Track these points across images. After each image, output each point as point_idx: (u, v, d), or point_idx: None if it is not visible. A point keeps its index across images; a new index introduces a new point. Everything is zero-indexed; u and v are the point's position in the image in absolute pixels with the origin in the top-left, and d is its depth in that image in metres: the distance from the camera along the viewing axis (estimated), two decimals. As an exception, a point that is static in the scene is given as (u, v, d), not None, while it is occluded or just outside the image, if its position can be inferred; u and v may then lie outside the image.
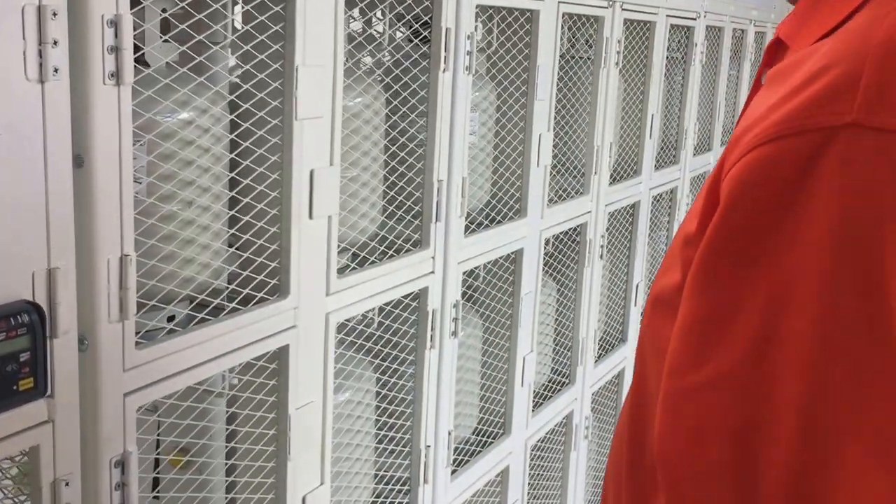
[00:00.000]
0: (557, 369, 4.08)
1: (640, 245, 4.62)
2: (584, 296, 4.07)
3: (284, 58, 2.20)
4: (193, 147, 2.06)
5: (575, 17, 3.82)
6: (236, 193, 2.22)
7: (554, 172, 3.95)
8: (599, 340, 4.49)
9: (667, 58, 4.89)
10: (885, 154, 0.92)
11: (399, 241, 2.78)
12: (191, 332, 2.03)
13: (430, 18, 2.73)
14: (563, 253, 3.97)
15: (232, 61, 2.29)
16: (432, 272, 2.86)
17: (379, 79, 2.75)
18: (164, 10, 2.02)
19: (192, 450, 2.33)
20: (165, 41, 2.08)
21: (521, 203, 3.39)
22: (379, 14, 2.82)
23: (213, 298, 2.15)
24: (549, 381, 4.05)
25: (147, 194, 1.97)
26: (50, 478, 1.75)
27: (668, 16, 4.40)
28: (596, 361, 4.31)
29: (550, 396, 3.96)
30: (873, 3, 1.06)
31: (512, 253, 3.40)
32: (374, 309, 2.77)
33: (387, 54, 2.91)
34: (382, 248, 2.71)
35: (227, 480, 2.41)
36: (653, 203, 4.86)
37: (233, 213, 2.21)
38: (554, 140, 3.79)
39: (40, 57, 1.62)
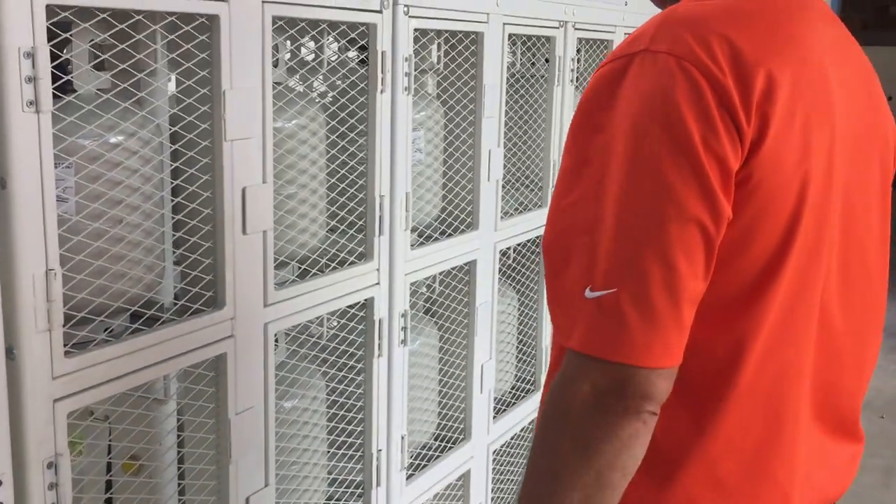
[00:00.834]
0: (521, 376, 4.18)
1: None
2: (545, 305, 4.17)
3: (212, 83, 2.33)
4: (121, 168, 2.19)
5: (533, 38, 3.94)
6: (171, 210, 2.36)
7: (518, 186, 4.07)
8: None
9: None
10: (652, 62, 1.51)
11: (342, 254, 2.90)
12: (123, 342, 2.16)
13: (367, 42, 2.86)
14: (523, 264, 4.08)
15: (166, 86, 2.42)
16: (377, 283, 2.98)
17: (317, 100, 2.88)
18: (91, 40, 2.16)
19: (142, 456, 2.46)
20: (94, 69, 2.21)
21: (472, 217, 3.51)
22: (328, 39, 2.94)
23: (149, 310, 2.28)
24: (513, 388, 4.16)
25: (77, 212, 2.11)
26: (-19, 477, 1.90)
27: (626, 34, 4.49)
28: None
29: (514, 403, 4.07)
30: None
31: (466, 264, 3.51)
32: (321, 318, 2.89)
33: (329, 77, 3.04)
34: (324, 260, 2.84)
35: (177, 483, 2.53)
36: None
37: (165, 229, 2.34)
38: (513, 155, 3.91)
39: (-40, 87, 1.77)
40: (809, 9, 1.69)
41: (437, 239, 3.34)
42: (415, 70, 3.02)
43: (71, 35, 2.08)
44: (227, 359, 2.45)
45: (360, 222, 2.95)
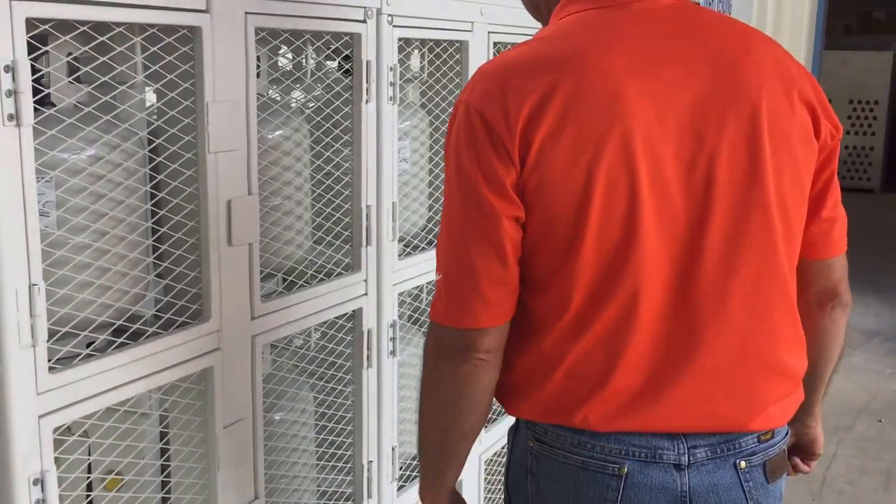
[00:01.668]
0: (512, 386, 4.16)
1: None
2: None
3: (195, 95, 2.32)
4: (104, 181, 2.17)
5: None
6: (155, 223, 2.34)
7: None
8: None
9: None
10: (463, 114, 1.99)
11: (329, 266, 2.89)
12: (108, 357, 2.14)
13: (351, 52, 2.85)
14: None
15: (147, 99, 2.41)
16: (365, 294, 2.97)
17: (301, 111, 2.87)
18: (69, 53, 2.14)
19: (126, 472, 2.43)
20: (72, 82, 2.20)
21: (459, 226, 3.49)
22: (311, 50, 2.93)
23: (134, 324, 2.27)
24: (504, 399, 4.14)
25: (58, 226, 2.09)
26: (-34, 495, 1.88)
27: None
28: (553, 378, 4.38)
29: (504, 412, 4.04)
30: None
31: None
32: (308, 330, 2.88)
33: (313, 87, 3.03)
34: (311, 272, 2.83)
35: (164, 497, 2.52)
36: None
37: (150, 241, 2.33)
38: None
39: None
40: (625, 26, 2.04)
41: (424, 249, 3.33)
42: (399, 79, 3.01)
43: (49, 48, 2.06)
44: (214, 372, 2.43)
45: (347, 233, 2.95)
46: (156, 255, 2.36)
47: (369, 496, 3.13)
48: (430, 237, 3.45)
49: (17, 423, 1.95)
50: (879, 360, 8.60)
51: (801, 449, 2.58)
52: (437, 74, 3.37)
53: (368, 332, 3.02)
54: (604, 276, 1.98)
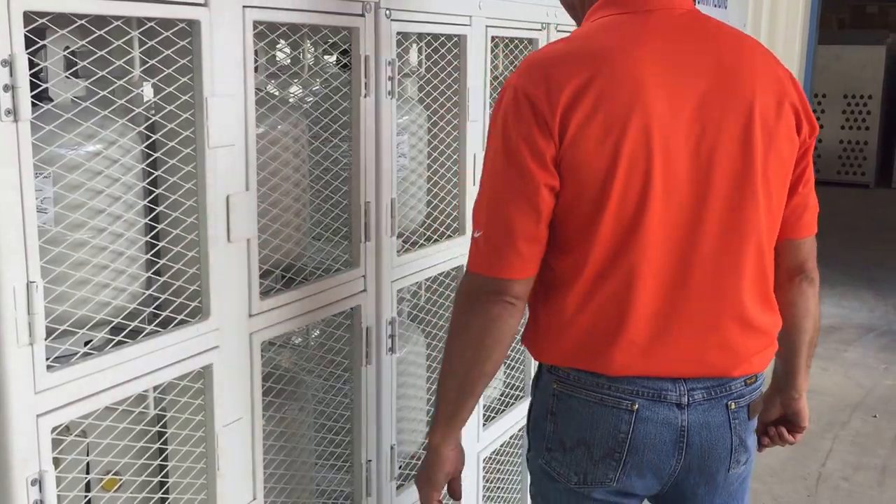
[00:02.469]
0: (510, 383, 4.15)
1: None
2: (533, 310, 4.14)
3: (194, 90, 2.29)
4: (101, 177, 2.15)
5: (516, 41, 3.91)
6: (153, 220, 2.32)
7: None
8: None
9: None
10: (505, 90, 2.40)
11: (328, 262, 2.87)
12: (107, 355, 2.12)
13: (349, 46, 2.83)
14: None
15: (145, 94, 2.39)
16: (364, 291, 2.95)
17: (299, 106, 2.85)
18: (67, 48, 2.12)
19: (124, 471, 2.41)
20: (70, 77, 2.17)
21: (458, 222, 3.48)
22: (309, 44, 2.91)
23: (132, 322, 2.24)
24: (502, 395, 4.12)
25: (56, 223, 2.07)
26: (-36, 496, 1.85)
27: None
28: (551, 374, 4.37)
29: (503, 410, 4.03)
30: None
31: (452, 270, 3.48)
32: (305, 328, 2.86)
33: (311, 82, 3.01)
34: (310, 268, 2.81)
35: (162, 498, 2.49)
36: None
37: (148, 238, 2.30)
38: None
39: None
40: (647, 33, 2.45)
41: (423, 245, 3.31)
42: (397, 74, 2.98)
43: (47, 42, 2.04)
44: (213, 370, 2.41)
45: (346, 229, 2.92)
46: (154, 251, 2.33)
47: (368, 495, 3.11)
48: (428, 233, 3.43)
49: (16, 422, 1.93)
50: (874, 356, 8.60)
51: (788, 420, 2.96)
52: (436, 69, 3.35)
53: (367, 329, 2.99)
54: (619, 241, 2.39)
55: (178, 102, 2.30)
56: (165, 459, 2.47)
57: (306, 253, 2.82)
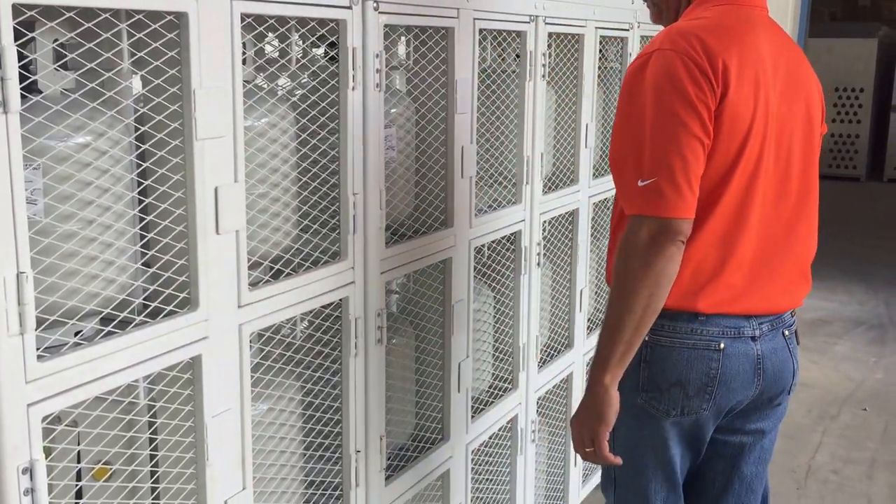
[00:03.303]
0: (499, 375, 4.17)
1: (583, 252, 4.71)
2: (522, 303, 4.16)
3: (182, 82, 2.31)
4: (91, 168, 2.17)
5: (504, 33, 3.93)
6: (142, 211, 2.33)
7: (491, 182, 4.06)
8: (545, 346, 4.57)
9: (606, 68, 5.00)
10: (662, 55, 2.71)
11: (316, 254, 2.88)
12: (97, 345, 2.14)
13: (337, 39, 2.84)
14: (499, 262, 4.06)
15: (134, 86, 2.40)
16: (352, 282, 2.96)
17: (287, 98, 2.87)
18: (56, 40, 2.14)
19: (114, 461, 2.43)
20: (59, 69, 2.19)
21: (446, 214, 3.50)
22: (297, 37, 2.92)
23: (122, 313, 2.26)
24: (491, 388, 4.14)
25: (46, 214, 2.08)
26: (-46, 483, 1.87)
27: (597, 28, 4.50)
28: (540, 367, 4.39)
29: (492, 402, 4.05)
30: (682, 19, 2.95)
31: (440, 262, 3.49)
32: (294, 318, 2.87)
33: (299, 74, 3.02)
34: (298, 260, 2.83)
35: (152, 487, 2.51)
36: (597, 210, 4.96)
37: (137, 229, 2.32)
38: (486, 151, 3.90)
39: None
40: (753, 21, 2.92)
41: (410, 237, 3.32)
42: (385, 66, 3.00)
43: (36, 34, 2.05)
44: (202, 361, 2.42)
45: (334, 221, 2.93)
46: (143, 242, 2.35)
47: (357, 485, 3.12)
48: (416, 225, 3.45)
49: (6, 411, 1.95)
50: (864, 349, 8.62)
51: None
52: (423, 61, 3.36)
53: (356, 320, 3.01)
54: (742, 194, 2.82)
55: (167, 94, 2.32)
56: (155, 449, 2.49)
57: (295, 244, 2.83)
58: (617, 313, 2.74)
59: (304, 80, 3.04)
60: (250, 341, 2.60)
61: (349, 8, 2.80)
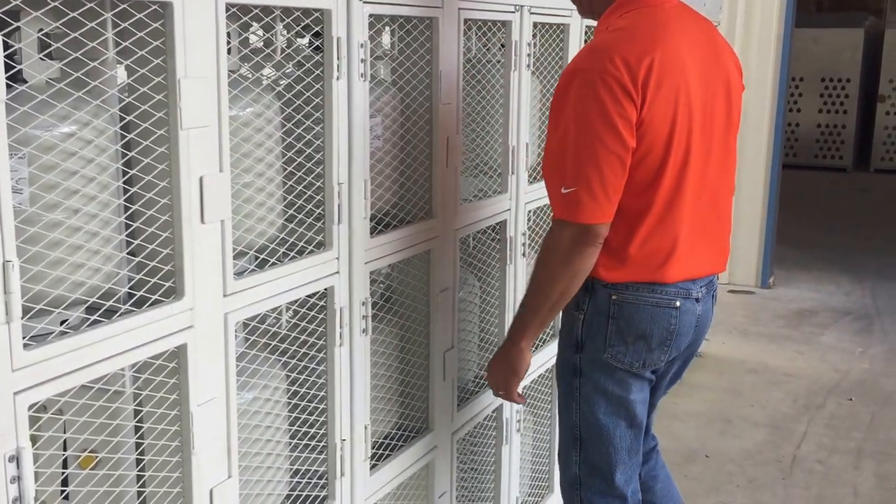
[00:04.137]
0: (484, 364, 4.17)
1: (567, 241, 4.71)
2: (508, 292, 4.18)
3: (167, 71, 2.32)
4: (76, 158, 2.17)
5: (489, 22, 3.93)
6: (128, 200, 2.34)
7: (476, 172, 4.07)
8: (530, 336, 4.57)
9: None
10: (585, 76, 3.04)
11: (301, 244, 2.89)
12: (82, 334, 2.14)
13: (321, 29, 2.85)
14: (484, 251, 4.07)
15: (119, 76, 2.41)
16: (337, 272, 2.97)
17: (272, 88, 2.87)
18: (41, 29, 2.14)
19: (100, 449, 2.44)
20: (44, 58, 2.19)
21: (430, 204, 3.51)
22: (281, 27, 2.93)
23: (107, 302, 2.27)
24: (476, 377, 4.15)
25: (31, 203, 2.09)
26: (-60, 471, 1.88)
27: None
28: (526, 356, 4.39)
29: (477, 392, 4.06)
30: (611, 25, 3.24)
31: (425, 252, 3.50)
32: (280, 308, 2.88)
33: (283, 64, 3.03)
34: (283, 250, 2.83)
35: (138, 475, 2.52)
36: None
37: (122, 219, 2.33)
38: (471, 142, 3.91)
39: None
40: (665, 19, 3.21)
41: (395, 227, 3.33)
42: (370, 56, 3.00)
43: (21, 24, 2.06)
44: (188, 350, 2.43)
45: (319, 210, 2.94)
46: (128, 232, 2.36)
47: (342, 475, 3.13)
48: (401, 215, 3.46)
49: (-7, 399, 1.95)
50: (850, 339, 8.66)
51: None
52: (408, 51, 3.37)
53: (341, 310, 3.02)
54: (674, 184, 3.19)
55: (152, 84, 2.32)
56: (141, 437, 2.50)
57: (280, 234, 2.84)
58: (536, 295, 3.27)
59: (289, 69, 3.05)
60: (236, 330, 2.61)
61: (334, -2, 2.81)
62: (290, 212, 2.88)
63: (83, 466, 2.46)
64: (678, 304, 3.31)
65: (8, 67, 1.93)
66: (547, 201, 4.27)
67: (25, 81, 2.14)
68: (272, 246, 2.79)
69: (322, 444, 3.10)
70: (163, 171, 2.36)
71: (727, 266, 3.74)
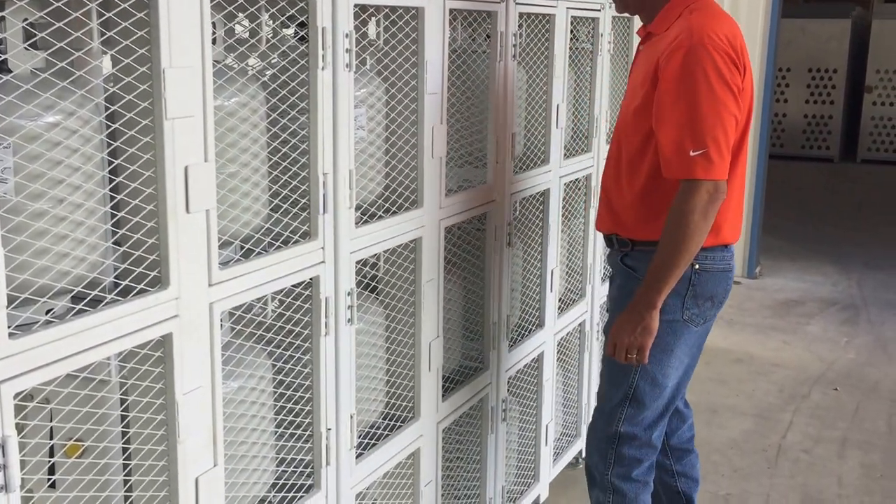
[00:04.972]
0: (469, 354, 4.19)
1: (553, 232, 4.74)
2: (493, 282, 4.19)
3: (152, 61, 2.32)
4: (61, 147, 2.18)
5: (474, 13, 3.94)
6: (113, 190, 2.35)
7: (462, 162, 4.07)
8: (516, 326, 4.60)
9: (578, 49, 5.01)
10: (695, 49, 3.46)
11: (286, 233, 2.90)
12: (68, 323, 2.15)
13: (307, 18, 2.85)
14: (469, 242, 4.08)
15: (104, 65, 2.41)
16: (322, 262, 2.98)
17: (257, 78, 2.88)
18: (25, 19, 2.15)
19: (86, 438, 2.44)
20: (29, 48, 2.20)
21: (416, 194, 3.51)
22: (267, 16, 2.93)
23: (93, 291, 2.27)
24: (461, 367, 4.17)
25: (16, 193, 2.10)
26: (-74, 460, 1.89)
27: (568, 8, 4.52)
28: (511, 346, 4.43)
29: (462, 381, 4.07)
30: (683, 13, 3.62)
31: (410, 242, 3.51)
32: (265, 297, 2.89)
33: (268, 54, 3.03)
34: (268, 239, 2.84)
35: (124, 464, 2.53)
36: (567, 190, 4.98)
37: (108, 208, 2.34)
38: (456, 132, 3.91)
39: None
40: (721, 8, 3.69)
41: (381, 217, 3.34)
42: (355, 46, 3.01)
43: (6, 13, 2.06)
44: (173, 339, 2.44)
45: (304, 201, 2.95)
46: (114, 221, 2.36)
47: (328, 463, 3.14)
48: (386, 205, 3.47)
49: (-23, 388, 1.96)
50: (835, 329, 8.67)
51: None
52: (394, 41, 3.37)
53: (326, 299, 3.03)
54: (744, 155, 3.72)
55: (137, 74, 2.33)
56: (127, 426, 2.50)
57: (265, 224, 2.85)
58: (675, 253, 3.50)
59: (274, 59, 3.05)
60: (221, 320, 2.62)
61: (319, -12, 2.82)
62: (276, 201, 2.89)
63: (69, 455, 2.47)
64: (732, 265, 3.83)
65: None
66: (532, 191, 4.30)
67: (10, 71, 2.15)
68: (257, 235, 2.80)
69: (308, 432, 3.10)
70: (148, 161, 2.36)
71: None
